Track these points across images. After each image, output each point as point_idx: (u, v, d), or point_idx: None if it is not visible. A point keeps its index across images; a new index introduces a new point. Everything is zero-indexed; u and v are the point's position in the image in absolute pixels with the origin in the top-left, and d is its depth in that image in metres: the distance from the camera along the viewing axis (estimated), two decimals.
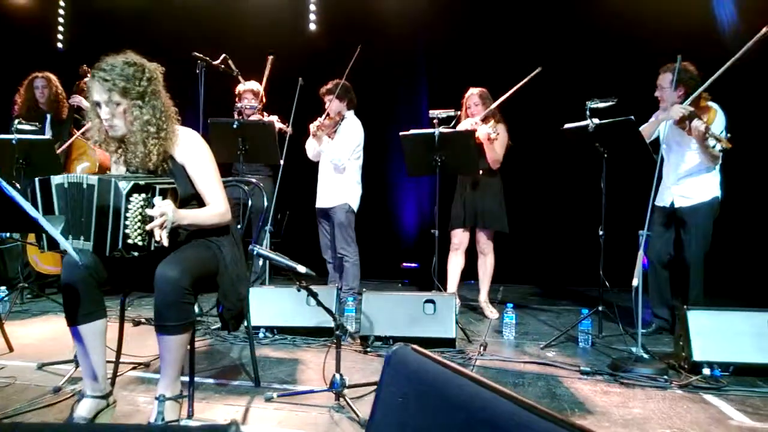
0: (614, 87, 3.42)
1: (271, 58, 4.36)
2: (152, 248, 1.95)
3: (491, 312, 4.11)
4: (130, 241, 1.90)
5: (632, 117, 3.11)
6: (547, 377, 2.70)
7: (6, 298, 4.11)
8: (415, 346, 1.27)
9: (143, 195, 1.91)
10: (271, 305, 3.40)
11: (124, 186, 1.86)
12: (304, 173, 4.60)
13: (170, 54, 4.30)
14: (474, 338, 3.40)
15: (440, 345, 3.13)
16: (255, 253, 1.91)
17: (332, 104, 4.20)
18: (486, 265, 4.14)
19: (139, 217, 1.91)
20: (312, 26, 6.03)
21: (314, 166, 4.43)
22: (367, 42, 4.04)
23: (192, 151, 2.15)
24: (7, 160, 3.69)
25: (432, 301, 3.22)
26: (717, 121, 3.31)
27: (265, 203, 2.56)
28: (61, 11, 6.71)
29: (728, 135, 3.23)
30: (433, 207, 3.83)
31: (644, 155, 3.18)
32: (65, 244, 1.73)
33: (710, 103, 3.38)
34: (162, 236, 1.92)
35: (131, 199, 1.88)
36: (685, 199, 3.50)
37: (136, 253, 1.93)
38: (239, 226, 3.74)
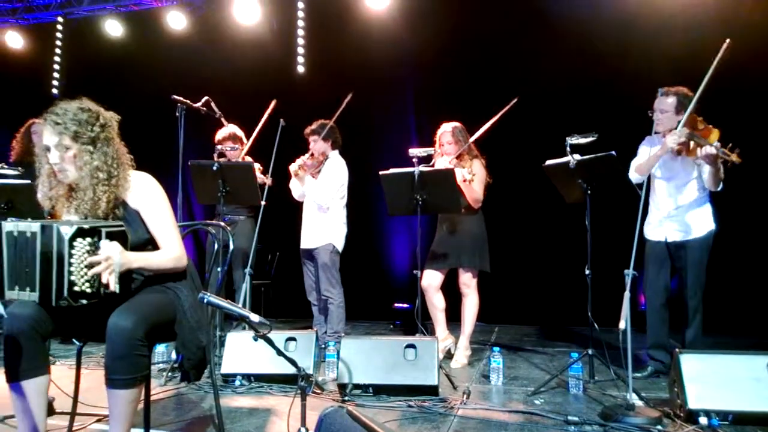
0: (594, 122, 3.36)
1: (274, 102, 4.33)
2: (102, 294, 1.85)
3: (458, 360, 3.77)
4: (76, 288, 1.80)
5: (614, 152, 3.03)
6: (532, 427, 2.54)
7: None
8: (350, 409, 1.17)
9: (88, 239, 1.82)
10: (247, 351, 3.27)
11: (67, 231, 1.78)
12: (291, 213, 4.53)
13: (159, 98, 4.33)
14: (459, 384, 3.24)
15: (422, 392, 2.96)
16: (205, 301, 1.81)
17: (317, 144, 4.16)
18: (467, 307, 3.87)
19: (86, 262, 1.82)
20: (300, 68, 6.09)
21: (301, 205, 4.36)
22: (356, 81, 4.02)
23: (145, 195, 2.10)
24: None
25: (413, 346, 3.08)
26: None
27: (231, 246, 2.46)
28: (57, 58, 6.83)
29: (737, 149, 2.93)
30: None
31: (628, 191, 3.09)
32: None
33: (708, 125, 3.12)
34: (111, 281, 1.83)
35: (75, 244, 1.79)
36: (681, 233, 3.35)
37: (84, 301, 1.83)
38: (219, 269, 3.67)
